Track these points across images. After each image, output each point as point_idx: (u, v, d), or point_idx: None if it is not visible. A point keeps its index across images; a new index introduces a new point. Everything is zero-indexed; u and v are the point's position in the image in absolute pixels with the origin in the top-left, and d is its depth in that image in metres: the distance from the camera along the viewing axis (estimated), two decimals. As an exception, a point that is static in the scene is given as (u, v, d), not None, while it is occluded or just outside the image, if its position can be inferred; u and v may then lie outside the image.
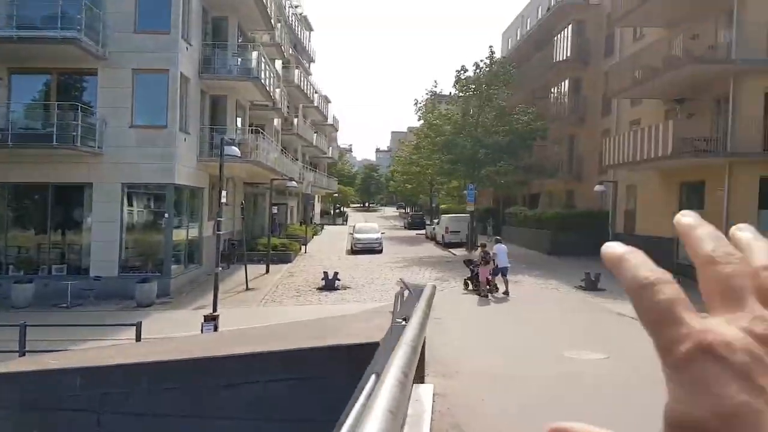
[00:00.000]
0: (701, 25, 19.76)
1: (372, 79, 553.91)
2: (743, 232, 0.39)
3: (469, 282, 17.97)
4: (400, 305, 8.45)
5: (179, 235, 19.74)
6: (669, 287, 0.33)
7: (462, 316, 12.96)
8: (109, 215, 18.26)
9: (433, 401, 5.65)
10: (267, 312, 15.88)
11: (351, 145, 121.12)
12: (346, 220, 61.53)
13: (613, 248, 0.37)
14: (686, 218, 0.39)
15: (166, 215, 18.49)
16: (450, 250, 31.29)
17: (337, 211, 68.87)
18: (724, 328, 0.31)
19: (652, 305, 0.33)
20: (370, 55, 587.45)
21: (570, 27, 30.54)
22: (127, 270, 18.44)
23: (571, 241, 25.97)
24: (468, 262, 18.55)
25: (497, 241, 18.61)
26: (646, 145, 19.90)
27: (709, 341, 0.30)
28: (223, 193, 16.85)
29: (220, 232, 16.49)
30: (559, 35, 31.66)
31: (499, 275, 17.09)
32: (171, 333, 12.35)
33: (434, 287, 7.48)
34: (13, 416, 6.17)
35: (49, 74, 19.00)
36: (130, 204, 19.16)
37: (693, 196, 20.25)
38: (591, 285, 17.94)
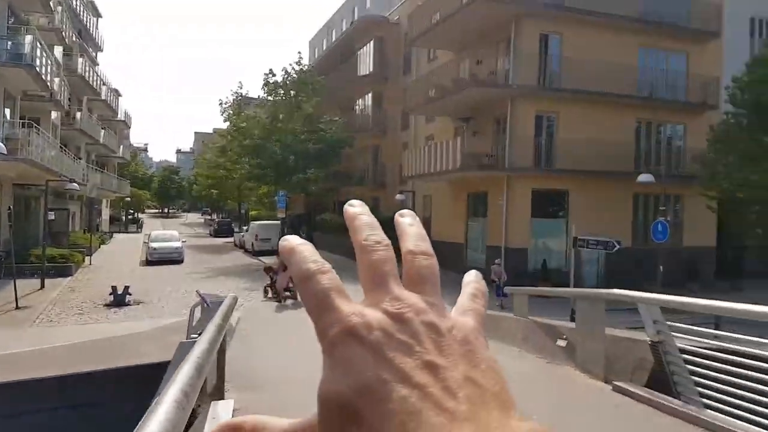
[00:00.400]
0: (485, 52, 22.03)
1: (174, 75, 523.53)
2: (403, 217, 0.43)
3: (268, 289, 17.86)
4: (196, 319, 7.97)
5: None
6: (327, 277, 0.36)
7: (268, 326, 12.68)
8: None
9: (233, 417, 5.38)
10: (42, 333, 13.92)
11: (147, 144, 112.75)
12: (141, 228, 56.97)
13: (288, 241, 0.39)
14: (352, 208, 0.41)
15: None
16: (260, 258, 30.69)
17: (131, 217, 63.51)
18: (368, 311, 0.35)
19: (311, 294, 0.36)
20: (172, 49, 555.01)
21: (372, 43, 31.93)
22: None
23: (377, 247, 27.19)
24: (268, 270, 18.49)
25: None
26: (439, 158, 21.58)
27: (353, 324, 0.33)
28: (-15, 196, 14.45)
29: (-19, 242, 14.09)
30: (361, 50, 32.95)
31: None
32: None
33: (235, 298, 7.15)
34: None
35: None
36: None
37: (479, 205, 22.45)
38: (392, 287, 18.90)
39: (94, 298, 18.74)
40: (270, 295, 17.59)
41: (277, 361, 8.65)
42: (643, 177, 17.81)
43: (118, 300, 17.83)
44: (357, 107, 34.78)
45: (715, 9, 22.21)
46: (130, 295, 18.23)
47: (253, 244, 32.97)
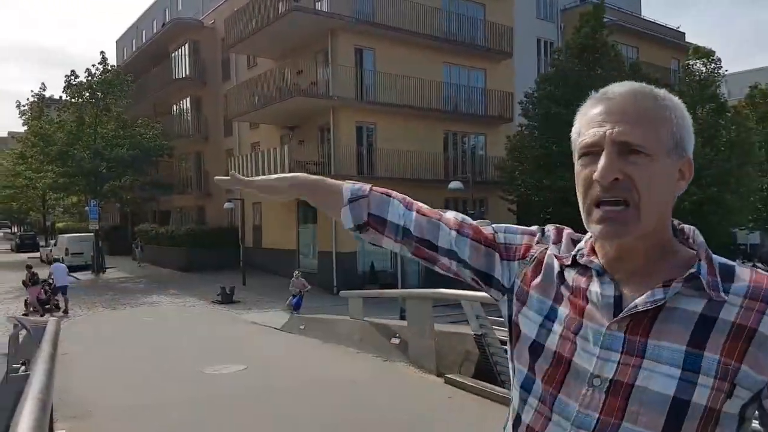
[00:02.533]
0: (304, 62, 22.50)
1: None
2: None
3: (24, 305, 17.62)
4: (16, 348, 7.43)
5: None
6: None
7: (87, 345, 11.89)
8: None
9: (67, 448, 5.24)
10: None
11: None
12: (-74, 246, 48.57)
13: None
14: None
15: None
16: (72, 274, 27.96)
17: None
18: None
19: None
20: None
21: (187, 45, 30.73)
22: None
23: (206, 256, 26.58)
24: (25, 284, 18.20)
25: (54, 260, 19.07)
26: (267, 166, 21.64)
27: None
28: None
29: None
30: (176, 52, 31.55)
31: (60, 294, 17.70)
32: None
33: (59, 322, 6.87)
34: None
35: None
36: None
37: (308, 213, 22.87)
38: (227, 298, 18.72)
39: None
40: (25, 310, 17.13)
41: (106, 385, 8.29)
42: (453, 184, 19.50)
43: None
44: (174, 111, 33.17)
45: (507, 30, 25.02)
46: None
47: (63, 259, 29.97)
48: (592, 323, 0.97)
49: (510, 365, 1.12)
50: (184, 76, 30.91)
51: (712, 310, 0.92)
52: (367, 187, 1.20)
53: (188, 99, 31.59)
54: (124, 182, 29.18)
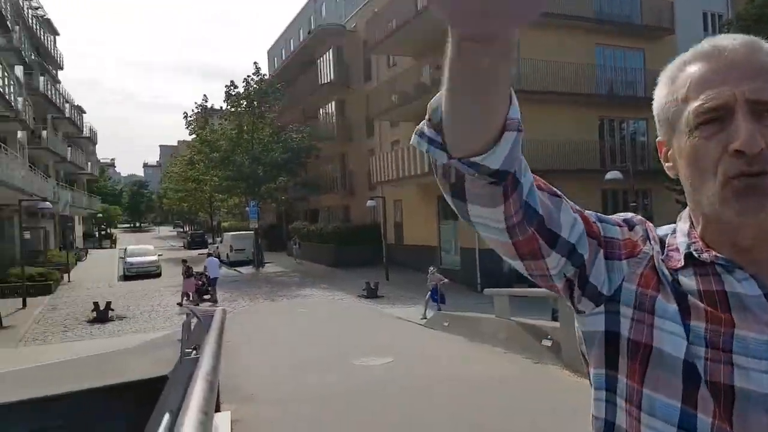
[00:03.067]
0: (443, 58, 22.30)
1: (133, 87, 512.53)
2: None
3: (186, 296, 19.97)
4: (188, 335, 8.13)
5: None
6: None
7: (249, 334, 12.78)
8: None
9: (232, 429, 5.60)
10: (29, 352, 13.71)
11: (113, 159, 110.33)
12: (115, 243, 56.11)
13: None
14: None
15: None
16: (236, 268, 30.69)
17: (103, 233, 62.52)
18: None
19: None
20: (128, 61, 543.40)
21: (330, 51, 31.83)
22: None
23: (352, 253, 27.55)
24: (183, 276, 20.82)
25: (209, 255, 21.86)
26: (407, 163, 21.78)
27: None
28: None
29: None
30: (321, 58, 32.81)
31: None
32: None
33: (224, 312, 7.38)
34: None
35: None
36: None
37: (449, 208, 22.52)
38: (371, 293, 19.26)
39: (77, 315, 18.62)
40: (186, 300, 19.34)
41: (264, 372, 8.81)
42: (611, 174, 18.08)
43: (101, 316, 17.73)
44: (321, 115, 34.73)
45: (667, 5, 22.92)
46: (112, 310, 18.17)
47: (228, 255, 33.00)
48: (746, 333, 0.77)
49: (597, 393, 0.88)
50: (328, 81, 32.08)
51: None
52: None
53: (333, 103, 32.90)
54: (278, 184, 31.25)
